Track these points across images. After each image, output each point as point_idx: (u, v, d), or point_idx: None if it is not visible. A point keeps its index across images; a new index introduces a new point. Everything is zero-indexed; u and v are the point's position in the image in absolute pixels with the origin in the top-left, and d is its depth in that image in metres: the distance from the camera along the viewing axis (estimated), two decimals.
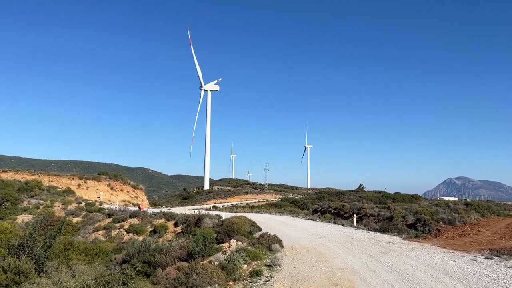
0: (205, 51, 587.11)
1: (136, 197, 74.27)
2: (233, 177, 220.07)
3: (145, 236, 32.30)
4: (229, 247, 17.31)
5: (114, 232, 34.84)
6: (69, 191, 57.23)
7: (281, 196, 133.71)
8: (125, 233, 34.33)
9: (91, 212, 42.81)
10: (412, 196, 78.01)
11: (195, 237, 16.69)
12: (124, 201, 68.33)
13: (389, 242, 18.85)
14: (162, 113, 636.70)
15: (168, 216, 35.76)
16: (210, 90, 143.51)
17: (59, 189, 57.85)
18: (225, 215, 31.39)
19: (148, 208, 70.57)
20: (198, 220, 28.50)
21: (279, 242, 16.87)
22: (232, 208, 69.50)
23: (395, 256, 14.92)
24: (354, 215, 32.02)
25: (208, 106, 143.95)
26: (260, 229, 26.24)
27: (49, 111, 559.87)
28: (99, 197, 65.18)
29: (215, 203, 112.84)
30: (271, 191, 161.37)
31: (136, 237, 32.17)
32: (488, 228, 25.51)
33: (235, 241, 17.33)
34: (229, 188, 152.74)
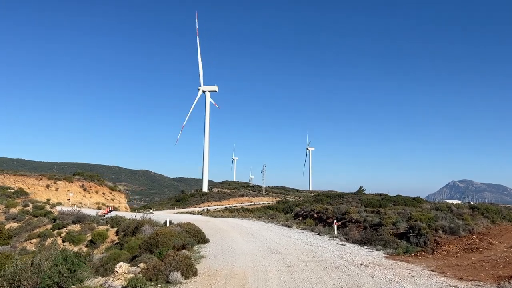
0: (206, 53, 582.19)
1: (113, 199, 68.38)
2: (234, 180, 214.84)
3: (82, 246, 26.63)
4: (116, 273, 11.54)
5: (48, 241, 29.13)
6: (20, 192, 51.22)
7: (278, 199, 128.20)
8: (60, 242, 28.60)
9: (36, 216, 37.21)
10: (413, 199, 72.34)
11: (55, 260, 10.97)
12: (97, 203, 62.57)
13: (362, 265, 12.80)
14: (164, 116, 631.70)
15: (114, 222, 30.01)
16: (209, 91, 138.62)
17: (10, 190, 52.01)
18: (169, 219, 25.50)
19: (127, 211, 65.09)
20: (136, 228, 22.71)
21: (188, 267, 10.97)
22: (219, 212, 64.68)
23: None
24: (335, 221, 26.08)
25: (207, 107, 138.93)
26: (206, 241, 20.47)
27: (51, 114, 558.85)
28: (69, 199, 59.56)
29: (208, 205, 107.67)
30: (271, 193, 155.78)
31: (71, 247, 26.42)
32: (502, 240, 19.66)
33: (125, 264, 11.55)
34: (226, 190, 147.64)
